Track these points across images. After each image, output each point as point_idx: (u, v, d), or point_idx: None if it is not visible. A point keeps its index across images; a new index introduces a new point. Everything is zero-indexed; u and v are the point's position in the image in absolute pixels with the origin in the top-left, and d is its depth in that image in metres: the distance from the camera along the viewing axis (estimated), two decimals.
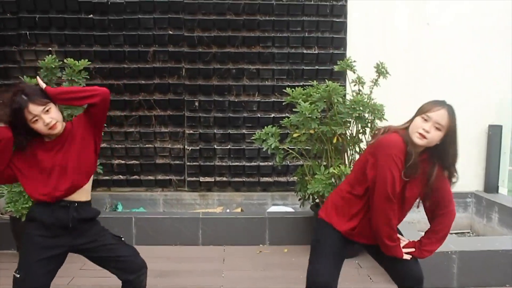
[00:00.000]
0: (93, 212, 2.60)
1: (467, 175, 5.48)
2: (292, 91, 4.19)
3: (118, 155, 5.35)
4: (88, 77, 4.27)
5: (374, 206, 2.34)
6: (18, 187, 3.93)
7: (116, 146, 5.33)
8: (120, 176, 5.38)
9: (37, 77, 2.41)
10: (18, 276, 2.40)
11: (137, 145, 5.35)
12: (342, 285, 3.64)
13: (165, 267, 4.05)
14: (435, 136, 2.29)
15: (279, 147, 4.19)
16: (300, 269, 3.94)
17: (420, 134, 2.29)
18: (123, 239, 2.69)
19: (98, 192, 5.31)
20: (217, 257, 4.33)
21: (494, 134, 5.51)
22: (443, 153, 2.35)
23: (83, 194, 2.54)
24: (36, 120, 2.32)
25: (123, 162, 5.37)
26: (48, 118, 2.34)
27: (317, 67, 5.32)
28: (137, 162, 5.38)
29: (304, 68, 5.32)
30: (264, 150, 4.20)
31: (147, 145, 5.36)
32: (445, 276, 3.73)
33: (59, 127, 2.39)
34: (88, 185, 2.58)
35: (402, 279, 2.59)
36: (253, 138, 4.29)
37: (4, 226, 4.36)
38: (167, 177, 5.43)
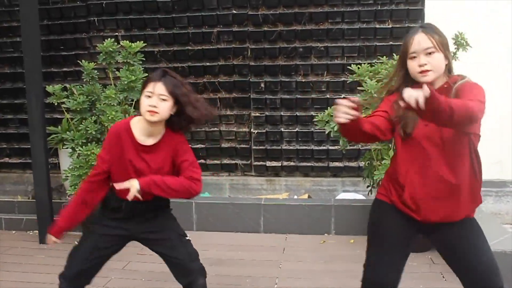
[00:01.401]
0: (162, 201, 2.45)
1: None
2: (358, 68, 3.83)
3: (197, 138, 5.28)
4: (144, 59, 4.20)
5: None
6: (78, 171, 3.96)
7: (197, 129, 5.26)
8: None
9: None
10: (76, 244, 2.44)
11: (203, 129, 5.24)
12: (410, 283, 3.31)
13: (222, 255, 3.91)
14: (438, 60, 1.96)
15: None
16: None
17: (421, 72, 1.96)
18: (188, 238, 2.52)
19: None
20: (278, 246, 4.12)
21: None
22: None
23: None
24: (150, 95, 2.23)
25: (202, 145, 5.30)
26: (156, 102, 2.22)
27: (391, 43, 4.89)
28: (202, 146, 5.29)
29: (377, 44, 4.91)
30: (327, 133, 3.91)
31: (212, 129, 5.25)
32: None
33: (156, 118, 2.24)
34: None
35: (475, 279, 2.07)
36: (315, 120, 3.99)
37: None
38: (233, 161, 5.29)
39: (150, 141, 2.33)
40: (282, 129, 5.16)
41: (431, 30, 2.00)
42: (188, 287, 2.46)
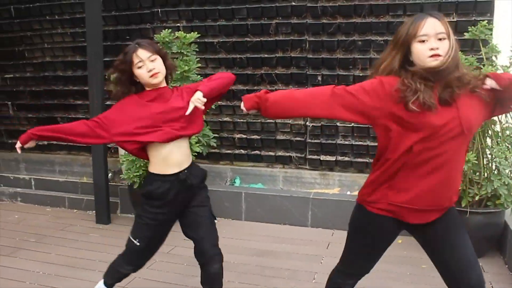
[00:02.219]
0: (201, 171, 2.62)
1: None
2: None
3: (239, 129, 5.35)
4: (197, 49, 4.27)
5: None
6: (131, 156, 4.12)
7: (238, 120, 5.33)
8: (242, 150, 5.38)
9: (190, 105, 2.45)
10: (138, 244, 2.55)
11: (259, 120, 5.27)
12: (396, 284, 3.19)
13: (265, 247, 3.94)
14: (447, 48, 1.86)
15: None
16: (408, 264, 3.56)
17: (432, 56, 1.86)
18: (216, 221, 2.63)
19: (220, 166, 5.40)
20: (323, 241, 4.09)
21: None
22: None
23: (186, 157, 2.54)
24: (141, 66, 2.41)
25: (244, 136, 5.35)
26: (152, 65, 2.41)
27: (456, 37, 4.64)
28: (258, 137, 5.32)
29: None
30: None
31: (268, 121, 5.26)
32: None
33: (160, 78, 2.46)
34: (188, 144, 2.57)
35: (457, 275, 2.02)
36: None
37: (126, 191, 4.66)
38: (288, 154, 5.28)
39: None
40: (338, 124, 5.08)
41: (442, 18, 1.91)
42: (203, 267, 2.56)
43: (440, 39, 1.87)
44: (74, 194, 5.14)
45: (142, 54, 2.41)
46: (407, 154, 1.92)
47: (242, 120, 5.32)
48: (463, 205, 3.56)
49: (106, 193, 4.48)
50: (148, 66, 2.40)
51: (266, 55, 5.18)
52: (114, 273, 2.69)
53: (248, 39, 5.18)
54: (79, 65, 5.87)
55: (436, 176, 1.92)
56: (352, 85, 2.02)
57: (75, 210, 5.01)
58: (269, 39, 5.14)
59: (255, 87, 5.23)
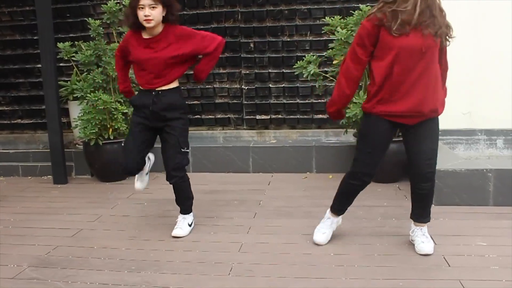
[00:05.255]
0: (173, 99, 3.15)
1: None
2: (331, 19, 4.33)
3: (193, 95, 5.78)
4: None
5: None
6: (86, 116, 4.48)
7: (190, 87, 5.76)
8: (197, 115, 5.81)
9: None
10: (123, 143, 3.40)
11: (198, 87, 5.75)
12: (379, 202, 3.85)
13: (214, 187, 4.45)
14: None
15: (318, 72, 4.38)
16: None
17: None
18: (183, 150, 3.20)
19: None
20: (264, 181, 4.66)
21: None
22: None
23: (163, 83, 3.11)
24: (141, 8, 2.94)
25: (197, 102, 5.80)
26: (149, 12, 2.93)
27: (368, 3, 5.35)
28: (198, 102, 5.80)
29: (355, 5, 5.38)
30: (304, 76, 4.42)
31: (207, 86, 5.74)
32: (480, 195, 3.77)
33: (152, 24, 2.98)
34: (170, 75, 3.12)
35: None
36: (294, 66, 4.51)
37: (80, 154, 4.99)
38: (226, 116, 5.80)
39: (152, 35, 3.07)
40: (270, 85, 5.66)
41: None
42: (171, 183, 3.26)
43: None
44: (27, 163, 5.38)
45: (146, 0, 2.92)
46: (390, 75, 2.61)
47: (182, 88, 5.75)
48: None
49: (63, 156, 4.78)
50: (146, 11, 2.93)
51: (202, 26, 5.65)
52: None
53: (184, 12, 5.64)
54: (18, 44, 6.05)
55: (415, 90, 2.61)
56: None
57: (29, 177, 5.25)
58: (205, 11, 5.62)
59: None
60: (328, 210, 3.15)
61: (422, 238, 2.91)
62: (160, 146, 3.23)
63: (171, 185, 3.24)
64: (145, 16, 2.93)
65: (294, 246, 3.08)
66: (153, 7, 2.93)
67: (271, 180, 4.69)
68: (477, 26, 5.15)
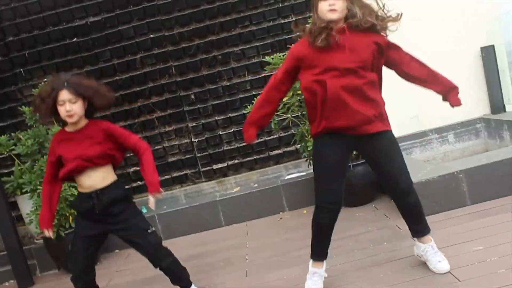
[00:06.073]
0: (114, 193, 2.89)
1: (471, 102, 5.51)
2: (272, 58, 4.32)
3: (131, 163, 5.57)
4: None
5: None
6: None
7: (128, 155, 5.53)
8: (139, 182, 5.58)
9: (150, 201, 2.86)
10: (70, 248, 3.06)
11: None
12: (363, 228, 3.80)
13: (192, 252, 4.24)
14: (341, 4, 2.51)
15: None
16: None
17: (330, 10, 2.49)
18: (150, 231, 2.97)
19: None
20: (241, 233, 4.49)
21: (488, 55, 5.49)
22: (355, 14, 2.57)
23: (99, 179, 2.87)
24: (62, 104, 2.74)
25: (137, 168, 5.56)
26: (70, 107, 2.74)
27: (298, 33, 5.41)
28: None
29: (286, 37, 5.44)
30: None
31: (156, 147, 5.55)
32: (456, 197, 3.80)
33: (75, 119, 2.79)
34: (103, 170, 2.89)
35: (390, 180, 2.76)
36: (245, 112, 4.44)
37: (41, 250, 4.63)
38: (182, 172, 5.62)
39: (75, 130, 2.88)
40: (220, 132, 5.56)
41: None
42: (161, 269, 3.00)
43: None
44: None
45: (65, 95, 2.73)
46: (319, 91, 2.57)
47: (132, 154, 5.52)
48: None
49: (23, 258, 4.40)
50: (67, 107, 2.74)
51: (138, 88, 5.50)
52: None
53: (117, 77, 5.47)
54: None
55: (352, 101, 2.56)
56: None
57: None
58: (138, 72, 5.47)
59: (136, 120, 5.52)
60: (310, 262, 2.93)
61: (437, 257, 2.85)
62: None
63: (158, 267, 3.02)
64: (67, 111, 2.75)
65: None
66: (73, 102, 2.75)
67: (247, 229, 4.54)
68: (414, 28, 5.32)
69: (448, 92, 2.81)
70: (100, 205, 2.84)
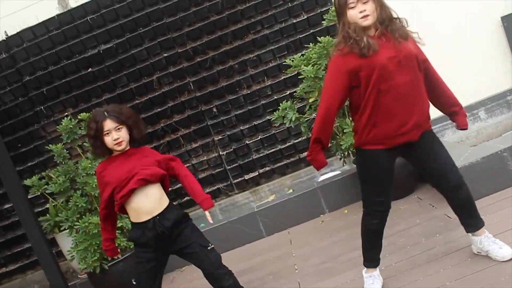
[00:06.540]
0: (175, 214, 2.86)
1: (499, 74, 5.35)
2: (292, 60, 4.22)
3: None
4: None
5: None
6: (82, 244, 4.14)
7: None
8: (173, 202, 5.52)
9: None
10: (134, 283, 2.92)
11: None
12: (411, 222, 3.67)
13: (240, 267, 4.14)
14: (372, 8, 2.41)
15: (300, 117, 4.23)
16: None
17: (362, 17, 2.40)
18: (210, 248, 2.93)
19: None
20: (284, 241, 4.39)
21: (510, 24, 5.32)
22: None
23: (157, 199, 2.82)
24: (108, 133, 2.77)
25: (170, 188, 5.52)
26: (117, 134, 2.77)
27: (311, 30, 5.31)
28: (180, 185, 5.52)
29: (300, 36, 5.33)
30: (287, 125, 4.27)
31: (186, 165, 5.48)
32: (503, 177, 3.65)
33: (124, 145, 2.84)
34: (159, 188, 2.87)
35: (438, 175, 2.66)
36: (273, 119, 4.36)
37: (86, 284, 4.61)
38: (215, 187, 5.55)
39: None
40: (247, 142, 5.48)
41: None
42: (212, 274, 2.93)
43: (364, 3, 2.39)
44: None
45: (109, 124, 2.77)
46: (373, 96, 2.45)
47: None
48: None
49: None
50: (114, 135, 2.77)
51: (159, 109, 5.46)
52: None
53: (137, 101, 5.43)
54: None
55: (402, 105, 2.45)
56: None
57: None
58: (157, 93, 5.43)
59: (161, 141, 5.48)
60: (364, 270, 2.89)
61: (497, 245, 2.71)
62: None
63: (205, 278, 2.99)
64: (115, 139, 2.79)
65: None
66: (118, 129, 2.80)
67: (290, 237, 4.44)
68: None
69: (457, 114, 2.79)
70: (165, 230, 2.79)
